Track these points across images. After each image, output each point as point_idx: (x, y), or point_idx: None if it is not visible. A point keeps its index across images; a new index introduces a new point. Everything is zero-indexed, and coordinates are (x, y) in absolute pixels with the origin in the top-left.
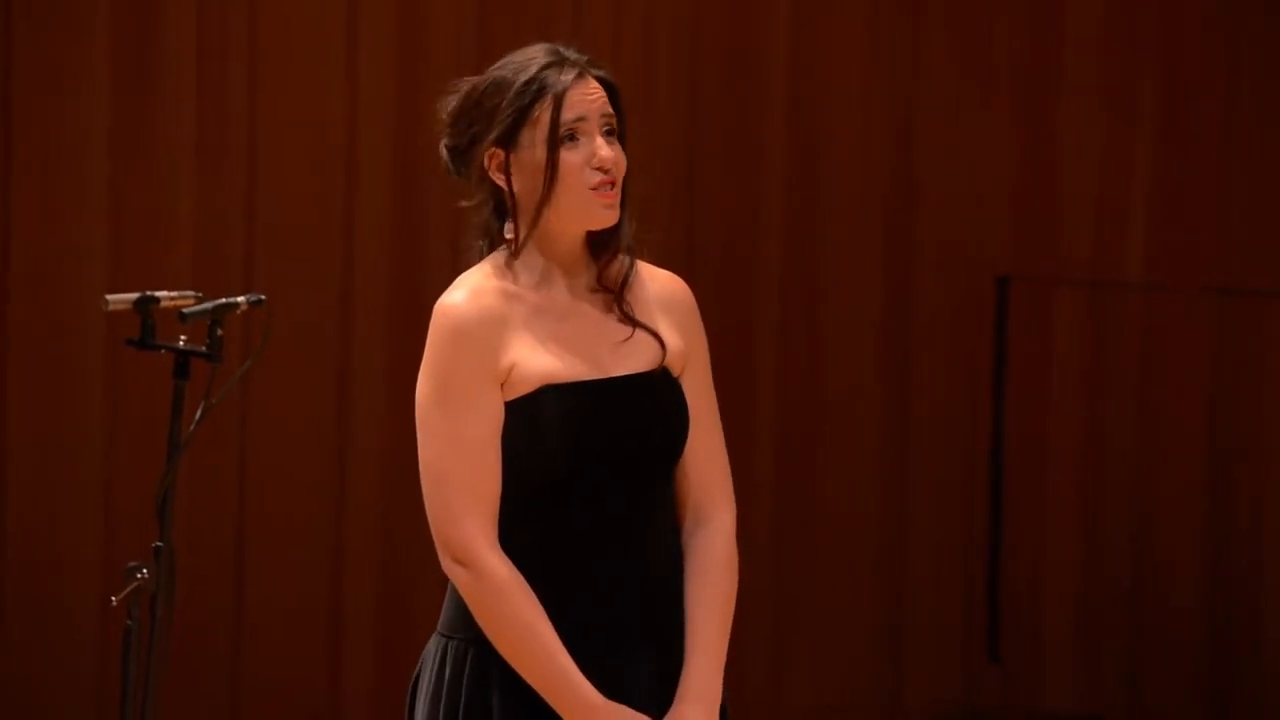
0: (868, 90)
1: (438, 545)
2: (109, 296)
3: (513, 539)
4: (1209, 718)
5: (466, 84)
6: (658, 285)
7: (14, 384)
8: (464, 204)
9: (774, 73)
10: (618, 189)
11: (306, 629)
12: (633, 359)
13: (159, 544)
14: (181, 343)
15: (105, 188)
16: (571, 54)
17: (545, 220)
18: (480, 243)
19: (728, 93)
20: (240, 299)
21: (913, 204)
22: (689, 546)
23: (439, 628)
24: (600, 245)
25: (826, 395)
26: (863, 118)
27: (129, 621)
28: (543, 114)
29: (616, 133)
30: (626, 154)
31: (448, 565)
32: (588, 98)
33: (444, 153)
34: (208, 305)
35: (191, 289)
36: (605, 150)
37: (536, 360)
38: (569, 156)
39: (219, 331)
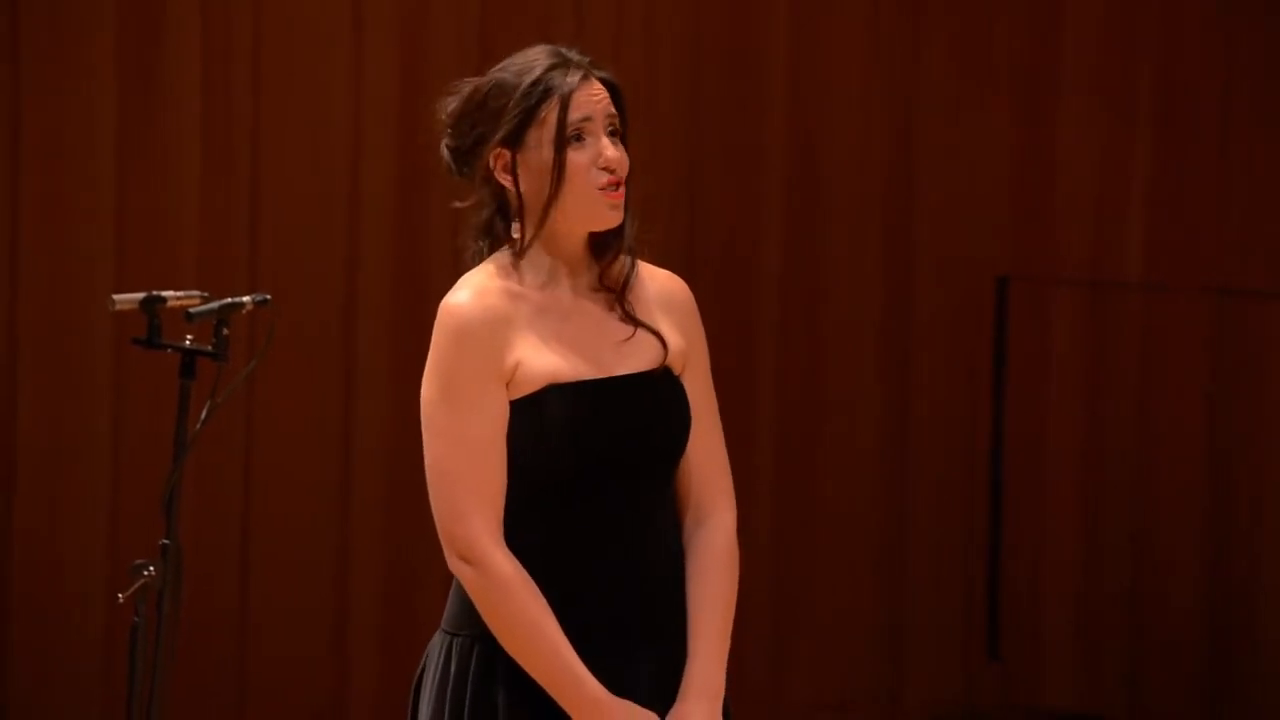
0: (867, 90)
1: (444, 543)
2: (115, 296)
3: (516, 539)
4: (1209, 718)
5: (468, 85)
6: (658, 285)
7: (22, 383)
8: (459, 204)
9: (774, 73)
10: (623, 189)
11: (311, 627)
12: (635, 358)
13: (166, 541)
14: (187, 342)
15: (111, 188)
16: (574, 55)
17: (551, 220)
18: (480, 243)
19: (728, 93)
20: (245, 299)
21: (912, 204)
22: (690, 545)
23: (443, 624)
24: (603, 245)
25: (826, 395)
26: (862, 118)
27: (135, 619)
28: (549, 114)
29: (620, 133)
30: (628, 154)
31: (454, 563)
32: (593, 98)
33: (445, 153)
34: (213, 305)
35: (197, 289)
36: (611, 150)
37: (541, 360)
38: (575, 157)
39: (224, 331)
